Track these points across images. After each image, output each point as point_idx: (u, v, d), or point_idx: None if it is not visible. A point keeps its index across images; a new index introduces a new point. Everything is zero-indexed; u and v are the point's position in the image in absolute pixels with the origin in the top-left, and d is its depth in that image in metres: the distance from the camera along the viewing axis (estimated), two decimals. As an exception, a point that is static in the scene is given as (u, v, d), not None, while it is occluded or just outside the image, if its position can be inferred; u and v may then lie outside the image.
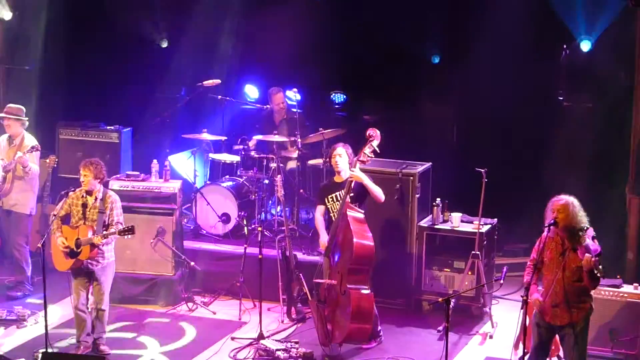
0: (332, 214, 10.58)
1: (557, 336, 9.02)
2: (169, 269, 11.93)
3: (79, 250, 10.12)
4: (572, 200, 8.81)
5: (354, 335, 10.32)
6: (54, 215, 10.33)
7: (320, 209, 10.73)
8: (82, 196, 10.28)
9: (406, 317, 11.56)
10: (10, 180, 11.84)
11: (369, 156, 10.45)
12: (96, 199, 10.24)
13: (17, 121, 11.88)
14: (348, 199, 10.35)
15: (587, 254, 8.56)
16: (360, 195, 10.48)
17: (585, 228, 8.74)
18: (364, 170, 10.57)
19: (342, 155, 10.49)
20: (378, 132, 10.49)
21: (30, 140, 11.92)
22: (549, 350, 9.12)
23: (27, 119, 11.98)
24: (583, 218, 8.78)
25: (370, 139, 10.46)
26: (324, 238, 10.55)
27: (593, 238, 8.70)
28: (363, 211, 10.44)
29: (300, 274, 11.20)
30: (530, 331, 9.17)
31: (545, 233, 8.81)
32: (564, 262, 8.77)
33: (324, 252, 10.57)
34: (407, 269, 11.72)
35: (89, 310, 10.43)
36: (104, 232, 10.03)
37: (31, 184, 11.94)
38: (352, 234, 10.17)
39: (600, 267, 8.54)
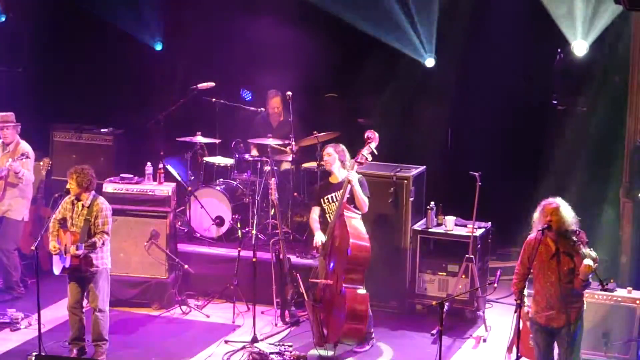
0: (328, 215, 10.62)
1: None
2: (163, 272, 11.92)
3: (65, 255, 10.10)
4: (562, 202, 8.84)
5: (348, 335, 10.36)
6: (54, 218, 10.29)
7: (315, 210, 10.77)
8: (73, 202, 10.26)
9: (400, 320, 11.57)
10: (3, 187, 11.80)
11: (367, 158, 10.53)
12: (83, 205, 10.21)
13: (14, 128, 11.86)
14: (345, 200, 10.39)
15: (587, 261, 8.58)
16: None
17: (577, 231, 8.76)
18: (361, 173, 10.62)
19: (331, 154, 10.67)
20: (376, 134, 10.58)
21: (24, 146, 11.87)
22: (553, 354, 9.11)
23: (19, 124, 11.95)
24: (574, 220, 8.81)
25: (369, 140, 10.54)
26: (318, 237, 10.57)
27: (586, 243, 8.73)
28: (360, 213, 10.48)
29: (297, 274, 11.18)
30: (524, 334, 9.20)
31: (536, 237, 8.82)
32: (557, 265, 8.78)
33: (320, 252, 10.60)
34: (401, 273, 11.73)
35: (85, 311, 10.41)
36: (77, 245, 9.98)
37: (24, 190, 11.88)
38: (349, 235, 10.25)
39: (593, 276, 8.64)
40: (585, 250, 8.69)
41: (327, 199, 10.67)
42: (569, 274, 8.75)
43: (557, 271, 8.79)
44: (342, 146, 10.79)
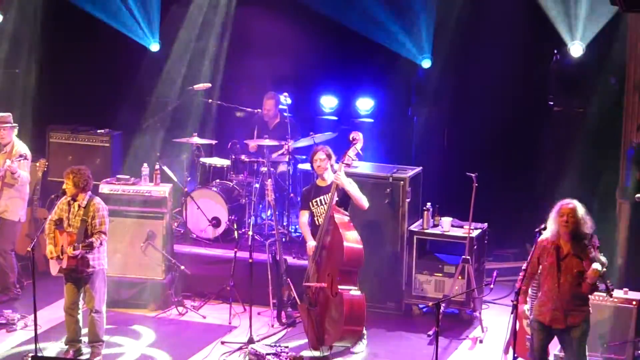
0: (316, 218, 10.61)
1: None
2: (159, 272, 11.91)
3: (62, 257, 10.09)
4: (579, 204, 8.82)
5: (346, 337, 10.38)
6: (50, 219, 10.28)
7: (304, 214, 10.76)
8: (69, 202, 10.25)
9: (396, 321, 11.57)
10: (0, 187, 11.79)
11: (353, 159, 10.54)
12: (79, 206, 10.21)
13: (11, 129, 11.86)
14: (334, 203, 10.39)
15: (595, 265, 8.59)
16: (345, 198, 10.53)
17: (590, 235, 8.76)
18: (352, 174, 10.61)
19: (323, 159, 10.57)
20: (361, 135, 10.60)
21: (21, 147, 11.85)
22: (547, 353, 9.13)
23: (16, 125, 11.96)
24: (589, 223, 8.80)
25: (354, 142, 10.56)
26: (311, 243, 10.58)
27: (597, 248, 8.73)
28: (349, 215, 10.49)
29: (289, 279, 11.19)
30: (521, 335, 9.20)
31: (550, 238, 8.82)
32: (565, 267, 8.78)
33: (311, 255, 10.60)
34: (397, 274, 11.72)
35: (81, 312, 10.40)
36: (74, 245, 9.97)
37: (21, 190, 11.84)
38: (341, 237, 10.24)
39: (608, 282, 8.67)
40: (595, 254, 8.69)
41: (316, 202, 10.65)
42: (577, 276, 8.75)
43: (566, 273, 8.78)
44: (329, 148, 10.72)
